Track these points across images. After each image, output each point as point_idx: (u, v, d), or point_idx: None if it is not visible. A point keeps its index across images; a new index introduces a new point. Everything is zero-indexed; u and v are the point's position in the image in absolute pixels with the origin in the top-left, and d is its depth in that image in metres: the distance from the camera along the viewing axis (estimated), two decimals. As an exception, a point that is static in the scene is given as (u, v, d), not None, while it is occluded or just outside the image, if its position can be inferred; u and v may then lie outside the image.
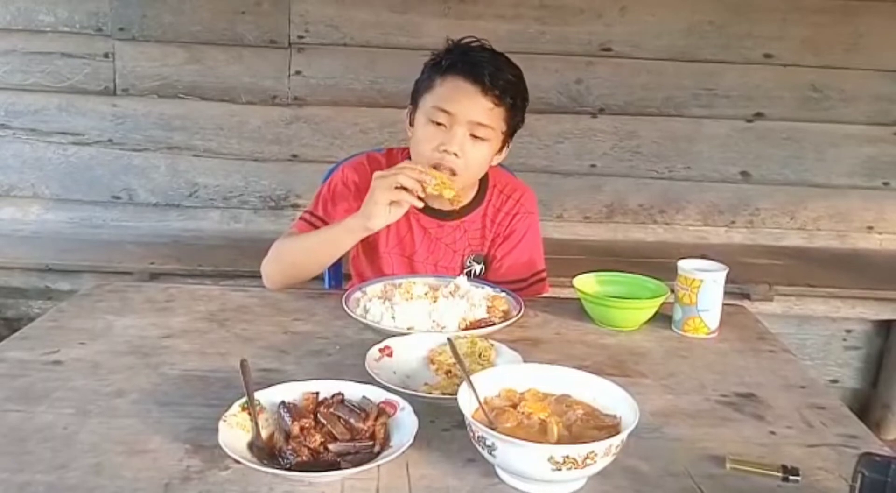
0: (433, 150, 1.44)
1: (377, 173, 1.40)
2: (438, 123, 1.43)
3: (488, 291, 1.44)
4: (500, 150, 1.52)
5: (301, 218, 1.59)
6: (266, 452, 0.89)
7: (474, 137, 1.44)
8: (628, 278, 1.46)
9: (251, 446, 0.89)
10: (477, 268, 1.60)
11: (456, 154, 1.43)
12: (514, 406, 0.93)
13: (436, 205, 1.51)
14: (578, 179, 2.89)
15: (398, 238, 1.59)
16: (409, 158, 1.51)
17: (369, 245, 1.60)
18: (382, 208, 1.38)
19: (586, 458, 0.81)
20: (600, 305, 1.37)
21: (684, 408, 1.09)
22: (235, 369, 1.04)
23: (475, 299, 1.37)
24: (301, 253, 1.53)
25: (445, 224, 1.58)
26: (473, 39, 1.49)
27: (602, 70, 2.79)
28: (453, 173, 1.44)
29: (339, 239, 1.48)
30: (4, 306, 2.77)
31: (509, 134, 1.50)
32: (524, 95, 1.48)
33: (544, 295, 1.62)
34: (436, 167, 1.43)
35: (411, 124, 1.51)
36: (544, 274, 1.63)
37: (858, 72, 2.79)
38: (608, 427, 0.90)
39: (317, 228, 1.55)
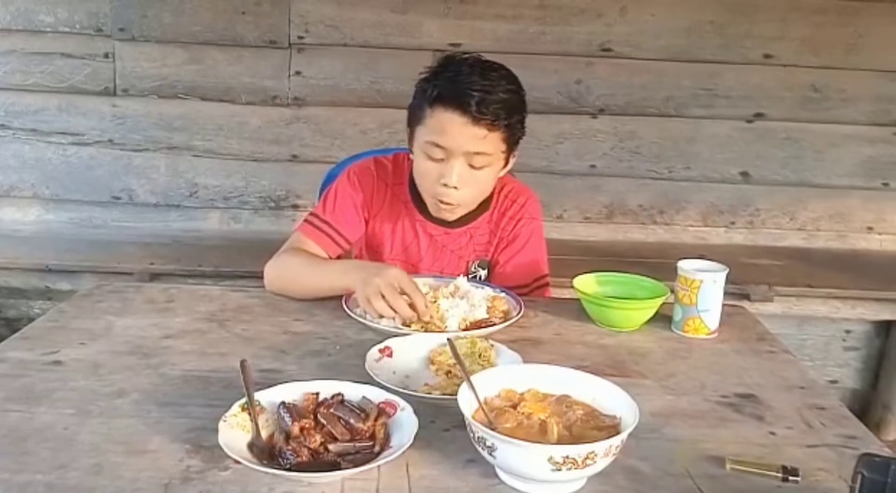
0: (433, 183, 1.43)
1: (399, 275, 1.30)
2: (435, 158, 1.41)
3: (488, 291, 1.43)
4: (506, 164, 1.48)
5: (307, 221, 1.57)
6: (266, 452, 0.89)
7: (473, 166, 1.41)
8: (628, 279, 1.46)
9: (251, 446, 0.89)
10: (482, 273, 1.60)
11: (455, 187, 1.42)
12: (514, 407, 0.93)
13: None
14: (578, 179, 2.89)
15: (403, 246, 1.59)
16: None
17: (373, 252, 1.61)
18: (363, 298, 1.31)
19: (586, 458, 0.81)
20: (600, 305, 1.37)
21: (684, 408, 1.09)
22: (235, 369, 1.04)
23: (475, 300, 1.37)
24: (301, 283, 1.47)
25: (452, 231, 1.57)
26: (462, 54, 1.43)
27: (602, 70, 2.79)
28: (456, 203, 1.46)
29: (330, 290, 1.44)
30: (4, 306, 2.78)
31: (511, 148, 1.46)
32: (521, 108, 1.42)
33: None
34: (439, 202, 1.45)
35: (410, 150, 1.50)
36: (547, 280, 1.62)
37: (858, 72, 2.79)
38: (608, 428, 0.90)
39: (324, 233, 1.53)
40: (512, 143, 1.44)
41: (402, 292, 1.29)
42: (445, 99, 1.37)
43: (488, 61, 1.42)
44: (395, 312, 1.28)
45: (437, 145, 1.39)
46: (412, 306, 1.28)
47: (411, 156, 1.50)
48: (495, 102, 1.36)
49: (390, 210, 1.58)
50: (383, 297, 1.27)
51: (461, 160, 1.40)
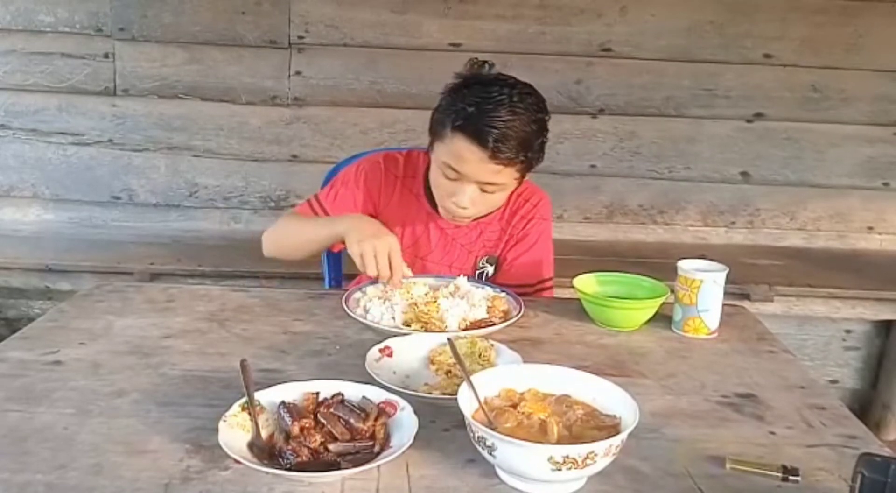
0: (446, 198, 1.47)
1: (394, 245, 1.36)
2: (449, 177, 1.43)
3: (488, 291, 1.44)
4: (519, 183, 1.49)
5: (308, 201, 1.62)
6: (266, 452, 0.89)
7: (485, 191, 1.43)
8: (628, 279, 1.46)
9: (251, 446, 0.89)
10: (489, 269, 1.61)
11: (465, 207, 1.45)
12: (514, 406, 0.93)
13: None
14: (578, 179, 2.89)
15: (413, 238, 1.60)
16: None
17: None
18: (356, 251, 1.36)
19: (586, 458, 0.81)
20: (600, 305, 1.37)
21: (684, 408, 1.09)
22: (235, 369, 1.04)
23: (475, 300, 1.37)
24: (295, 235, 1.58)
25: (462, 225, 1.58)
26: (493, 75, 1.42)
27: (602, 70, 2.79)
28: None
29: (322, 240, 1.53)
30: (4, 306, 2.77)
31: (526, 173, 1.47)
32: (541, 139, 1.42)
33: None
34: (450, 214, 1.49)
35: (429, 153, 1.51)
36: (551, 283, 1.63)
37: (858, 72, 2.79)
38: (608, 427, 0.90)
39: (316, 214, 1.58)
40: (528, 170, 1.46)
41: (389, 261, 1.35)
42: (466, 129, 1.36)
43: (518, 86, 1.40)
44: (377, 274, 1.34)
45: (453, 169, 1.41)
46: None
47: (431, 153, 1.51)
48: (514, 138, 1.35)
49: (400, 202, 1.60)
50: (375, 259, 1.34)
51: (473, 185, 1.42)
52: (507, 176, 1.41)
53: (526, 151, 1.39)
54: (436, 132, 1.45)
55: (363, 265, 1.34)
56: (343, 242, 1.41)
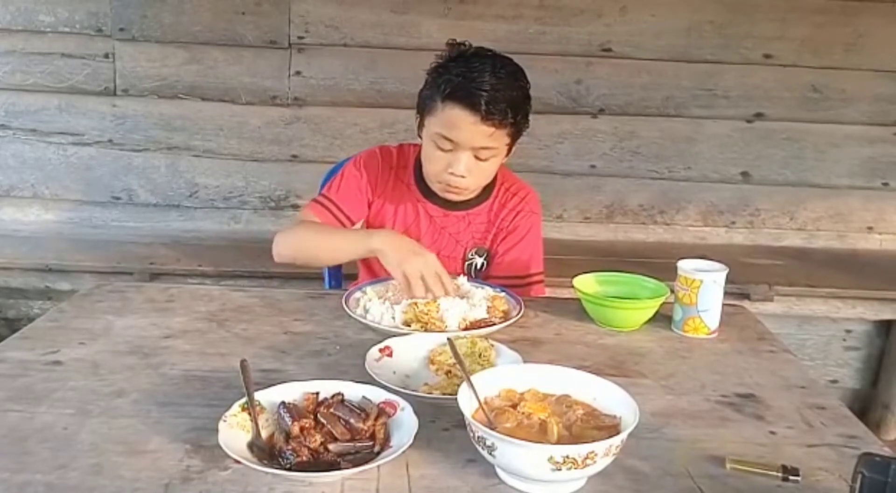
0: (441, 171, 1.50)
1: (437, 263, 1.38)
2: (444, 148, 1.47)
3: (488, 291, 1.44)
4: (508, 153, 1.55)
5: (315, 200, 1.63)
6: (266, 452, 0.89)
7: (479, 157, 1.48)
8: (628, 278, 1.46)
9: (251, 446, 0.89)
10: (479, 261, 1.63)
11: (462, 176, 1.48)
12: (514, 406, 0.93)
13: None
14: (578, 179, 2.89)
15: (405, 226, 1.63)
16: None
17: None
18: (399, 272, 1.37)
19: (586, 458, 0.81)
20: (600, 305, 1.37)
21: (684, 408, 1.09)
22: (235, 369, 1.04)
23: (475, 300, 1.37)
24: (318, 244, 1.56)
25: (451, 214, 1.61)
26: (473, 49, 1.48)
27: (602, 70, 2.79)
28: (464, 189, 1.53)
29: (353, 254, 1.55)
30: (4, 306, 2.77)
31: (515, 140, 1.52)
32: (527, 103, 1.48)
33: (544, 295, 1.63)
34: (447, 186, 1.51)
35: (419, 134, 1.55)
36: (541, 277, 1.65)
37: (858, 72, 2.79)
38: (608, 427, 0.90)
39: (328, 209, 1.60)
40: (516, 136, 1.51)
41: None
42: (457, 96, 1.42)
43: (498, 57, 1.47)
44: (432, 292, 1.34)
45: (447, 138, 1.45)
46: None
47: (419, 139, 1.56)
48: (503, 100, 1.41)
49: (393, 192, 1.64)
50: (423, 279, 1.34)
51: (468, 153, 1.47)
52: (498, 139, 1.46)
53: (514, 113, 1.44)
54: (425, 108, 1.50)
55: (409, 288, 1.35)
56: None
